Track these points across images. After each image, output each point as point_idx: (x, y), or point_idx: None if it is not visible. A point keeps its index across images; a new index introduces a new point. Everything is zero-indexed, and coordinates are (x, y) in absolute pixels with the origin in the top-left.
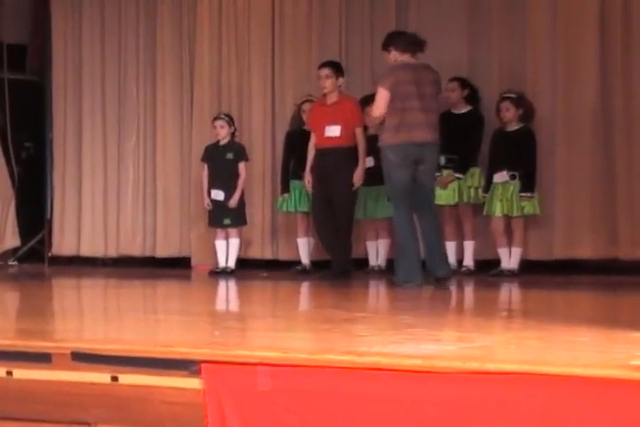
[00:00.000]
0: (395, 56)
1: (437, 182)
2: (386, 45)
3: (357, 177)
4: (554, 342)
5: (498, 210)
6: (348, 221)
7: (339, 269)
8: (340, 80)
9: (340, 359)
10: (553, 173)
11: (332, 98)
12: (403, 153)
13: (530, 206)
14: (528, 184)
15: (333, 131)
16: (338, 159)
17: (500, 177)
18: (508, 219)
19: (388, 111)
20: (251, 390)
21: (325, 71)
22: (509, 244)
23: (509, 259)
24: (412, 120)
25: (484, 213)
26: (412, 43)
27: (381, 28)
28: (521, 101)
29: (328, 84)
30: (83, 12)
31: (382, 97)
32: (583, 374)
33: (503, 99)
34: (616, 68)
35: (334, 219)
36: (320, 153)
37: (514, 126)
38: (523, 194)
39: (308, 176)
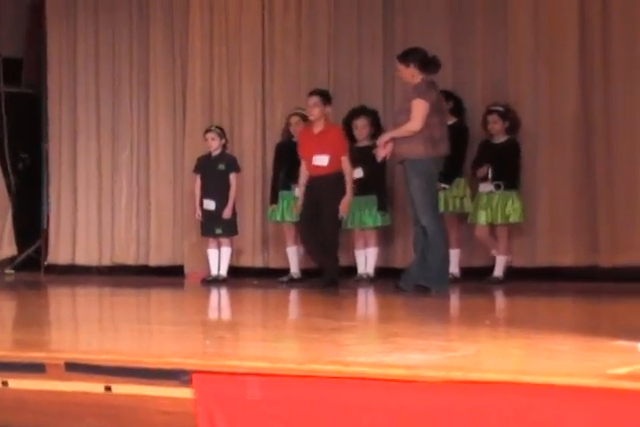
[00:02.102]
0: (413, 71)
1: None
2: (405, 59)
3: (344, 206)
4: (535, 350)
5: (483, 218)
6: (334, 241)
7: (329, 277)
8: (328, 108)
9: (326, 369)
10: (535, 181)
11: (319, 126)
12: (440, 165)
13: (515, 215)
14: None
15: (321, 160)
16: (326, 187)
17: (485, 187)
18: (492, 227)
19: (425, 124)
20: (240, 400)
21: (314, 99)
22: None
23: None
24: (443, 133)
25: (469, 221)
26: (432, 63)
27: (368, 44)
28: (507, 114)
29: (315, 112)
30: (77, 27)
31: (424, 110)
32: (563, 383)
33: (490, 111)
34: (596, 80)
35: (320, 233)
36: (310, 179)
37: (500, 138)
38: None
39: (300, 197)
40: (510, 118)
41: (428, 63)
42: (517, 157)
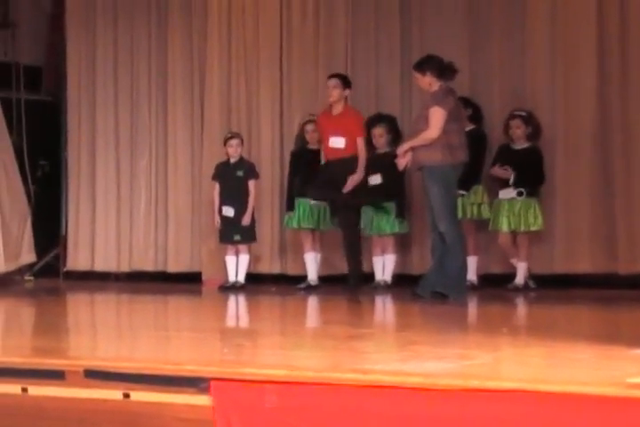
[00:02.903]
0: (430, 79)
1: None
2: (422, 68)
3: (352, 181)
4: (554, 358)
5: (505, 226)
6: (351, 230)
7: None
8: (347, 91)
9: (344, 377)
10: (553, 188)
11: (338, 108)
12: (459, 171)
13: (536, 223)
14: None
15: (338, 142)
16: (342, 169)
17: (506, 193)
18: (513, 235)
19: (442, 131)
20: (258, 408)
21: (333, 82)
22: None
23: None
24: (461, 140)
25: (490, 228)
26: (449, 70)
27: (386, 51)
28: (530, 120)
29: (335, 93)
30: (97, 35)
31: (442, 118)
32: (581, 392)
33: (513, 116)
34: (614, 87)
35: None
36: (327, 160)
37: (522, 144)
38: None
39: None
40: (533, 124)
41: (444, 70)
42: (540, 164)
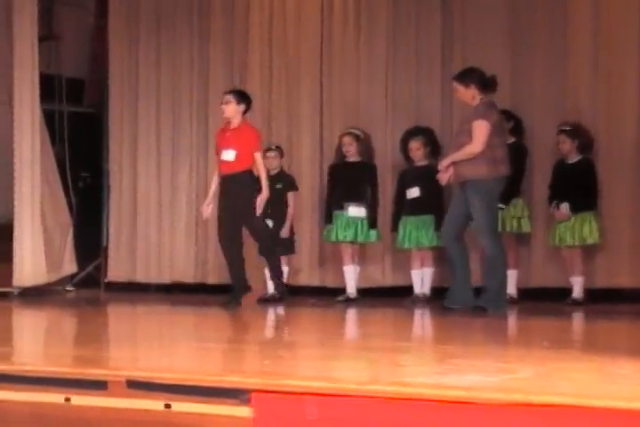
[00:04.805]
0: (473, 92)
1: None
2: (465, 80)
3: (260, 201)
4: (597, 373)
5: (568, 240)
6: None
7: (238, 288)
8: (242, 106)
9: (385, 390)
10: (612, 201)
11: (234, 124)
12: (502, 185)
13: (592, 236)
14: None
15: (229, 155)
16: (234, 185)
17: (563, 208)
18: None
19: (487, 145)
20: (298, 420)
21: (227, 97)
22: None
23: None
24: (504, 154)
25: (550, 244)
26: (491, 83)
27: (427, 60)
28: (577, 133)
29: (228, 109)
30: (139, 47)
31: (486, 131)
32: (625, 407)
33: (559, 132)
34: None
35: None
36: (221, 177)
37: (573, 158)
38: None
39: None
40: (580, 137)
41: (486, 83)
42: (592, 176)
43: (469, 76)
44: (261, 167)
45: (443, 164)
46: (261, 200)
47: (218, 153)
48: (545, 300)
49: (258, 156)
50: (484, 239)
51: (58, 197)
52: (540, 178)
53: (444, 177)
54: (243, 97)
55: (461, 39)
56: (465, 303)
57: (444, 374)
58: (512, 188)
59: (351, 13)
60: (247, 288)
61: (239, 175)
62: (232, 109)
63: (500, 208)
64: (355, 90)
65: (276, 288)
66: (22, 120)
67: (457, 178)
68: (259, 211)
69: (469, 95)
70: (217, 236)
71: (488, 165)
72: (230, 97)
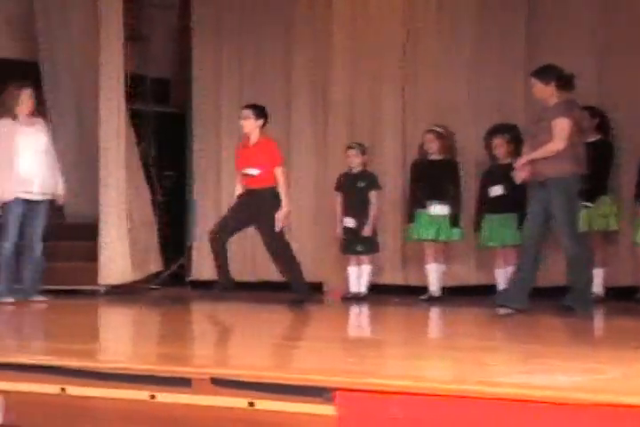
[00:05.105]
0: (552, 89)
1: None
2: (545, 76)
3: (280, 218)
4: None
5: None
6: (289, 255)
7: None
8: (260, 122)
9: (470, 389)
10: None
11: (253, 139)
12: (581, 183)
13: None
14: None
15: (252, 171)
16: (257, 201)
17: None
18: None
19: (569, 143)
20: (383, 418)
21: (245, 113)
22: None
23: None
24: (584, 152)
25: (632, 240)
26: (570, 81)
27: (511, 56)
28: None
29: (247, 124)
30: (223, 48)
31: (568, 129)
32: None
33: None
34: None
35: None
36: (245, 191)
37: None
38: None
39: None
40: None
41: (566, 81)
42: None
43: (549, 72)
44: (283, 181)
45: (520, 162)
46: (282, 215)
47: (239, 169)
48: (634, 299)
49: (279, 171)
50: (565, 239)
51: (143, 197)
52: (627, 175)
53: (520, 175)
54: (261, 112)
55: (546, 35)
56: (519, 305)
57: (530, 373)
58: (598, 185)
59: (434, 10)
60: (231, 283)
61: (265, 191)
62: (251, 124)
63: (587, 206)
64: (437, 87)
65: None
66: (108, 120)
67: (537, 176)
68: (278, 226)
69: (548, 92)
70: (214, 226)
71: (570, 164)
72: (249, 112)
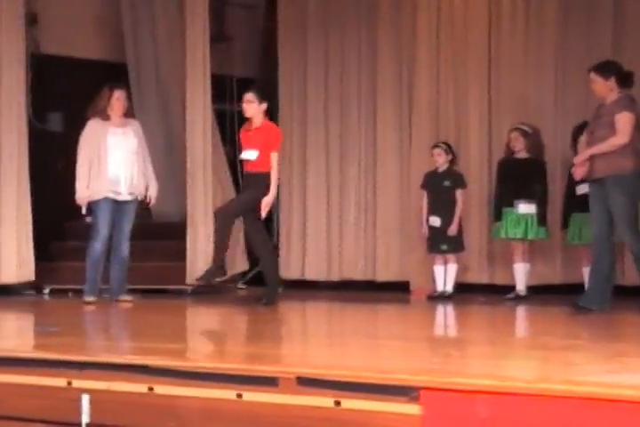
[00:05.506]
0: (612, 85)
1: None
2: (605, 72)
3: (265, 204)
4: None
5: None
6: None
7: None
8: (264, 105)
9: (556, 388)
10: None
11: (256, 123)
12: None
13: None
14: None
15: (250, 155)
16: (253, 184)
17: None
18: None
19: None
20: (468, 418)
21: (248, 96)
22: None
23: None
24: None
25: None
26: (630, 77)
27: (598, 53)
28: None
29: (250, 108)
30: (308, 48)
31: (631, 123)
32: None
33: None
34: None
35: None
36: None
37: None
38: None
39: None
40: None
41: (626, 77)
42: None
43: (609, 68)
44: (276, 167)
45: (579, 158)
46: (266, 202)
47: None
48: None
49: (274, 156)
50: (626, 236)
51: (229, 197)
52: None
53: (580, 171)
54: (264, 95)
55: (634, 30)
56: (599, 306)
57: (617, 372)
58: None
59: (520, 6)
60: (220, 269)
61: (261, 176)
62: (254, 108)
63: None
64: (523, 84)
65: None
66: (194, 120)
67: (597, 173)
68: (263, 213)
69: (608, 88)
70: (223, 205)
71: (634, 160)
72: (252, 96)
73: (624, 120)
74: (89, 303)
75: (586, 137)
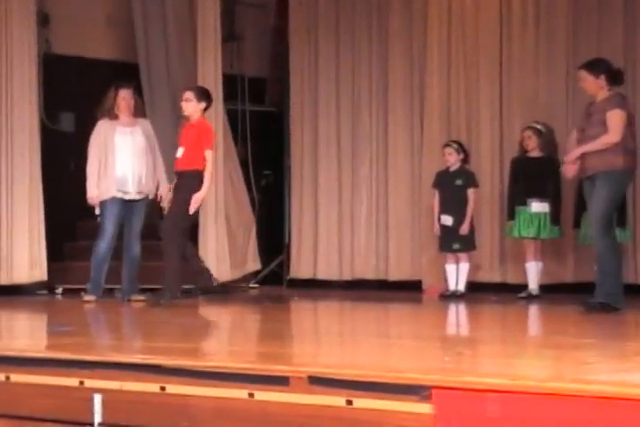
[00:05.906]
0: (602, 83)
1: None
2: (595, 69)
3: (196, 200)
4: None
5: None
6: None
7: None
8: (203, 104)
9: (567, 387)
10: None
11: (193, 121)
12: (630, 180)
13: None
14: None
15: (178, 152)
16: (181, 183)
17: None
18: None
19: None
20: (480, 417)
21: (186, 95)
22: None
23: None
24: (635, 146)
25: None
26: (619, 75)
27: (609, 51)
28: None
29: (188, 106)
30: (319, 47)
31: (622, 121)
32: None
33: None
34: None
35: None
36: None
37: None
38: None
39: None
40: None
41: (616, 74)
42: None
43: (599, 65)
44: (210, 165)
45: (571, 156)
46: (196, 198)
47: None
48: None
49: (209, 154)
50: (594, 231)
51: (241, 196)
52: None
53: (571, 168)
54: (203, 94)
55: None
56: (613, 304)
57: (629, 371)
58: None
59: (531, 5)
60: (201, 274)
61: (188, 173)
62: (192, 107)
63: None
64: (534, 85)
65: (163, 290)
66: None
67: (588, 170)
68: (192, 209)
69: (598, 85)
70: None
71: (624, 157)
72: (190, 94)
73: (616, 118)
74: (88, 302)
75: (576, 135)
